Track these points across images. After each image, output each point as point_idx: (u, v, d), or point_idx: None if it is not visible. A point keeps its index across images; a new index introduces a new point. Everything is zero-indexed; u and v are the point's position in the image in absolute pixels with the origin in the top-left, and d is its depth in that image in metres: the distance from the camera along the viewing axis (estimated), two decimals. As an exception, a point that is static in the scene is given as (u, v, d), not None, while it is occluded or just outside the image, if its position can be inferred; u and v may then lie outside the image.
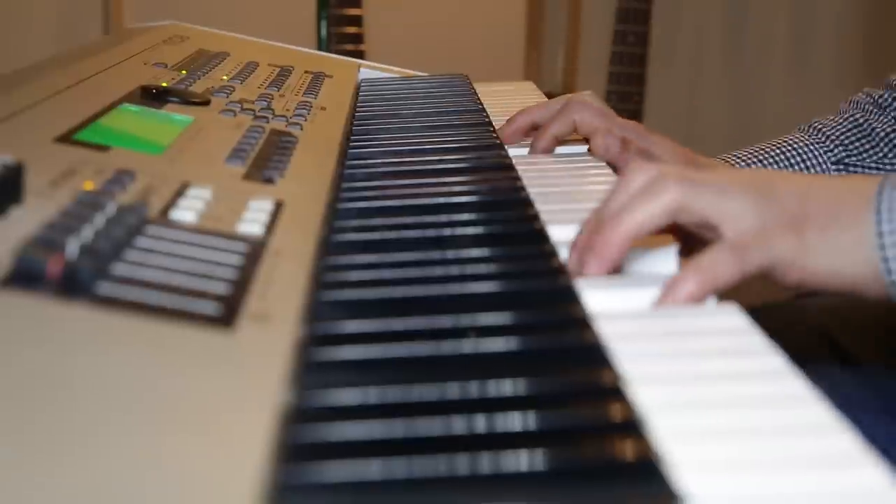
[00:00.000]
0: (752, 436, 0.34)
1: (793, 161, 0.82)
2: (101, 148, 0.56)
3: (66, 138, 0.56)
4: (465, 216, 0.56)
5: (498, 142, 0.76)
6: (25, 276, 0.37)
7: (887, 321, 0.75)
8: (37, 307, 0.35)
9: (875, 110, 0.85)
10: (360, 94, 0.97)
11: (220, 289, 0.40)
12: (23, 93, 0.62)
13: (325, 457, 0.31)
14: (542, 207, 0.58)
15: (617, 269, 0.48)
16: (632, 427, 0.33)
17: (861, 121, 0.84)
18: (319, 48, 1.67)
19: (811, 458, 0.32)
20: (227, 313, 0.38)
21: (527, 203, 0.59)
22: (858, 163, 0.83)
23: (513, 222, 0.56)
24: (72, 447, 0.28)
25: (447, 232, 0.54)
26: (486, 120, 0.84)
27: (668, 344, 0.41)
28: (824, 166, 0.83)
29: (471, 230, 0.54)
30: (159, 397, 0.32)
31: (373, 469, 0.31)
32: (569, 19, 2.25)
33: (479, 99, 0.93)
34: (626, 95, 1.85)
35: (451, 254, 0.50)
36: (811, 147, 0.83)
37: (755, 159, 0.81)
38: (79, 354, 0.33)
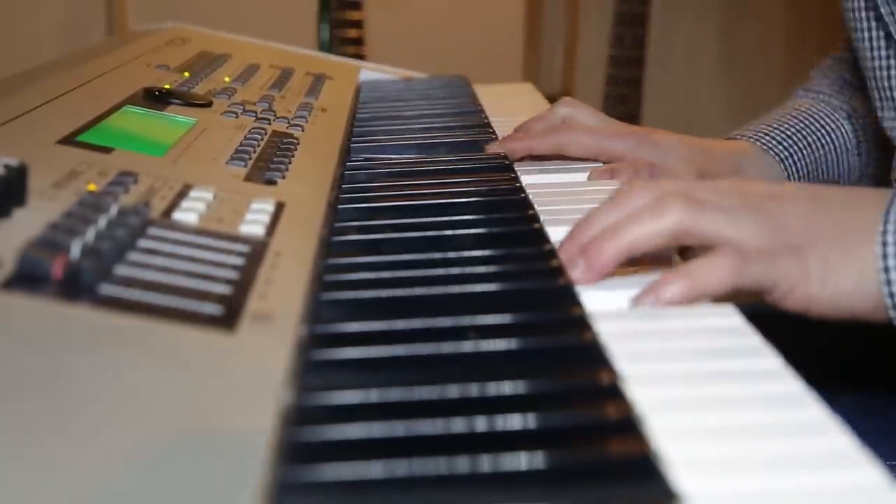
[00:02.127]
0: (750, 436, 0.34)
1: (819, 130, 0.81)
2: (104, 149, 0.56)
3: (70, 140, 0.56)
4: (464, 217, 0.57)
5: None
6: (29, 277, 0.37)
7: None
8: (40, 308, 0.35)
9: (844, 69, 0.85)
10: (361, 95, 0.97)
11: (222, 289, 0.40)
12: (26, 95, 0.63)
13: (325, 457, 0.31)
14: (542, 208, 0.58)
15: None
16: (630, 427, 0.34)
17: (848, 77, 0.84)
18: (320, 52, 1.68)
19: (808, 458, 0.33)
20: (229, 314, 0.38)
21: (526, 203, 0.59)
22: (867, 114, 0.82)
23: (512, 222, 0.56)
24: (73, 447, 0.28)
25: (447, 232, 0.54)
26: (486, 121, 0.84)
27: (666, 344, 0.42)
28: (839, 122, 0.82)
29: (470, 230, 0.54)
30: (161, 397, 0.32)
31: (373, 469, 0.31)
32: (567, 22, 2.26)
33: (478, 100, 0.94)
34: (624, 98, 1.86)
35: (450, 254, 0.51)
36: (822, 108, 0.83)
37: (783, 136, 0.80)
38: (81, 355, 0.33)
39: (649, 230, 0.46)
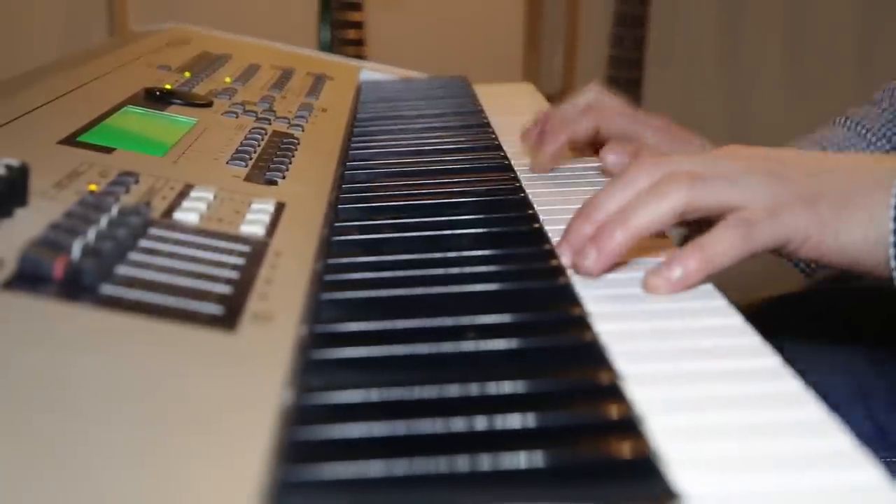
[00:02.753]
0: (749, 435, 0.34)
1: None
2: (105, 150, 0.56)
3: (71, 140, 0.56)
4: (464, 216, 0.57)
5: (497, 143, 0.76)
6: (30, 277, 0.37)
7: None
8: (41, 307, 0.36)
9: None
10: (361, 95, 0.97)
11: (223, 289, 0.41)
12: (28, 95, 0.63)
13: (326, 456, 0.31)
14: (542, 207, 0.58)
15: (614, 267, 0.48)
16: (630, 426, 0.34)
17: None
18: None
19: (807, 457, 0.33)
20: (230, 313, 0.39)
21: (526, 203, 0.59)
22: None
23: (512, 222, 0.56)
24: (75, 446, 0.28)
25: (447, 232, 0.54)
26: (485, 121, 0.84)
27: (666, 343, 0.42)
28: None
29: (470, 230, 0.55)
30: (162, 397, 0.32)
31: (373, 468, 0.31)
32: (567, 22, 2.26)
33: (478, 100, 0.94)
34: (623, 98, 1.86)
35: (450, 254, 0.51)
36: (853, 143, 0.80)
37: None
38: (82, 354, 0.33)
39: (656, 213, 0.46)
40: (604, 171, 0.67)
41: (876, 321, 0.75)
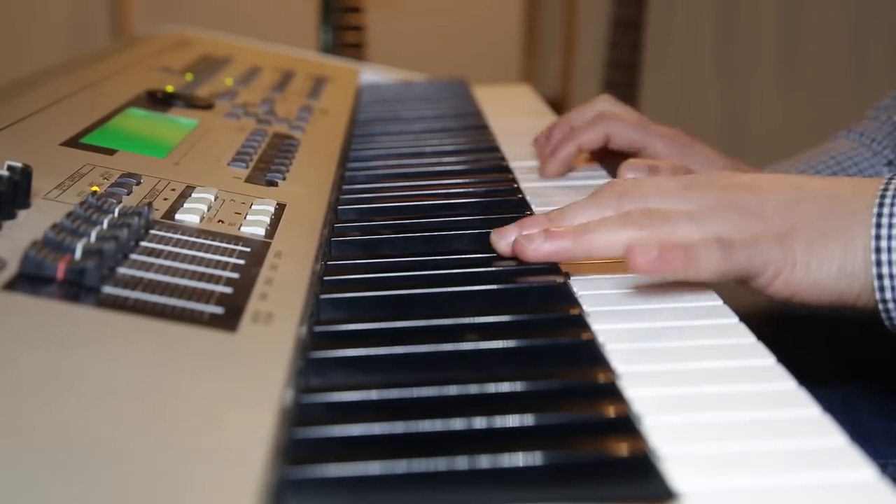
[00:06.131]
0: (746, 434, 0.34)
1: (849, 171, 0.79)
2: (108, 151, 0.56)
3: (74, 142, 0.56)
4: (463, 217, 0.57)
5: (495, 144, 0.76)
6: (32, 278, 0.37)
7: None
8: (44, 307, 0.36)
9: None
10: (361, 97, 0.97)
11: (223, 290, 0.41)
12: (31, 98, 0.63)
13: (326, 455, 0.32)
14: (539, 208, 0.59)
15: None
16: (627, 425, 0.34)
17: None
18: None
19: (803, 456, 0.33)
20: (230, 314, 0.39)
21: (524, 203, 0.60)
22: None
23: (510, 222, 0.57)
24: (76, 446, 0.28)
25: (446, 233, 0.55)
26: (484, 123, 0.84)
27: (663, 343, 0.42)
28: (877, 168, 0.81)
29: (469, 231, 0.55)
30: (163, 396, 0.32)
31: (373, 466, 0.31)
32: (564, 25, 2.26)
33: (476, 102, 0.94)
34: (621, 101, 1.87)
35: (449, 255, 0.51)
36: (860, 152, 0.80)
37: (810, 171, 0.79)
38: (84, 354, 0.33)
39: (613, 245, 0.47)
40: None
41: (860, 338, 0.75)
